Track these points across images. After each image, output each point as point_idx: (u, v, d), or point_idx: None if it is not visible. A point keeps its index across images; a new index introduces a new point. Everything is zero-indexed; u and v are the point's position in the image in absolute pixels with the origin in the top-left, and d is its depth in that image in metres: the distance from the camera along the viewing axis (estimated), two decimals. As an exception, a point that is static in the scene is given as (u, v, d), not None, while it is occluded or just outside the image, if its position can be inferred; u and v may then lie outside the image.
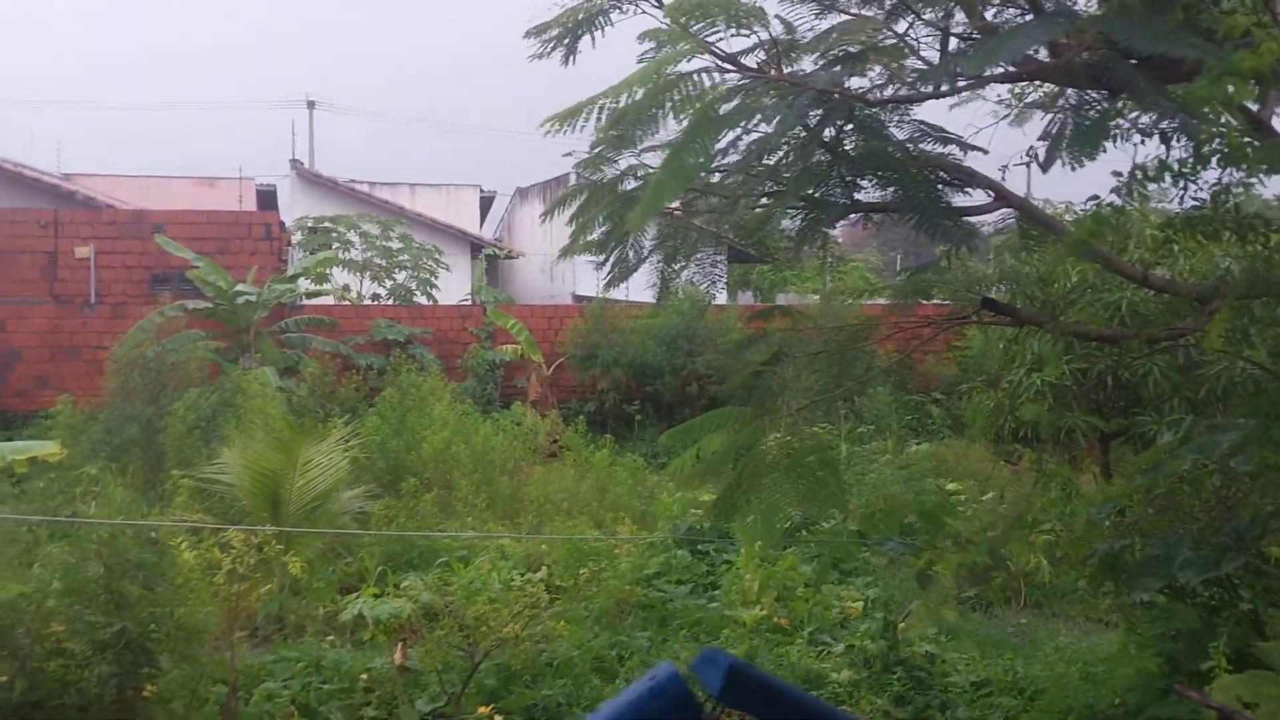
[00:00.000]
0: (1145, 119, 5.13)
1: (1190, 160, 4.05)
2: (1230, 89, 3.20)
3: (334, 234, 24.72)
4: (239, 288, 18.19)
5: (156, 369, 13.89)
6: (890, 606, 8.67)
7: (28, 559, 8.37)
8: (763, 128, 4.48)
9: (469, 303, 23.97)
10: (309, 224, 25.19)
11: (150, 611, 6.47)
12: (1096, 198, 6.01)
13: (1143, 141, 5.18)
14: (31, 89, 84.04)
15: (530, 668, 7.67)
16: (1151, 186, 4.70)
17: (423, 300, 24.39)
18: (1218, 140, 3.78)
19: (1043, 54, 4.98)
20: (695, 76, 4.22)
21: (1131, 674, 5.68)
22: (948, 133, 5.27)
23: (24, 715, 6.33)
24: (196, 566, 7.28)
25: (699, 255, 6.32)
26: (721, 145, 4.41)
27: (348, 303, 22.47)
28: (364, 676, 7.63)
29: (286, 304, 19.58)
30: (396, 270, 25.04)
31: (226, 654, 7.06)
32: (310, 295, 20.98)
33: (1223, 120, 4.13)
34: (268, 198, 31.81)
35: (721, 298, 18.90)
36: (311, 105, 39.46)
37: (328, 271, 21.53)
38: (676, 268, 6.23)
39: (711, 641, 8.80)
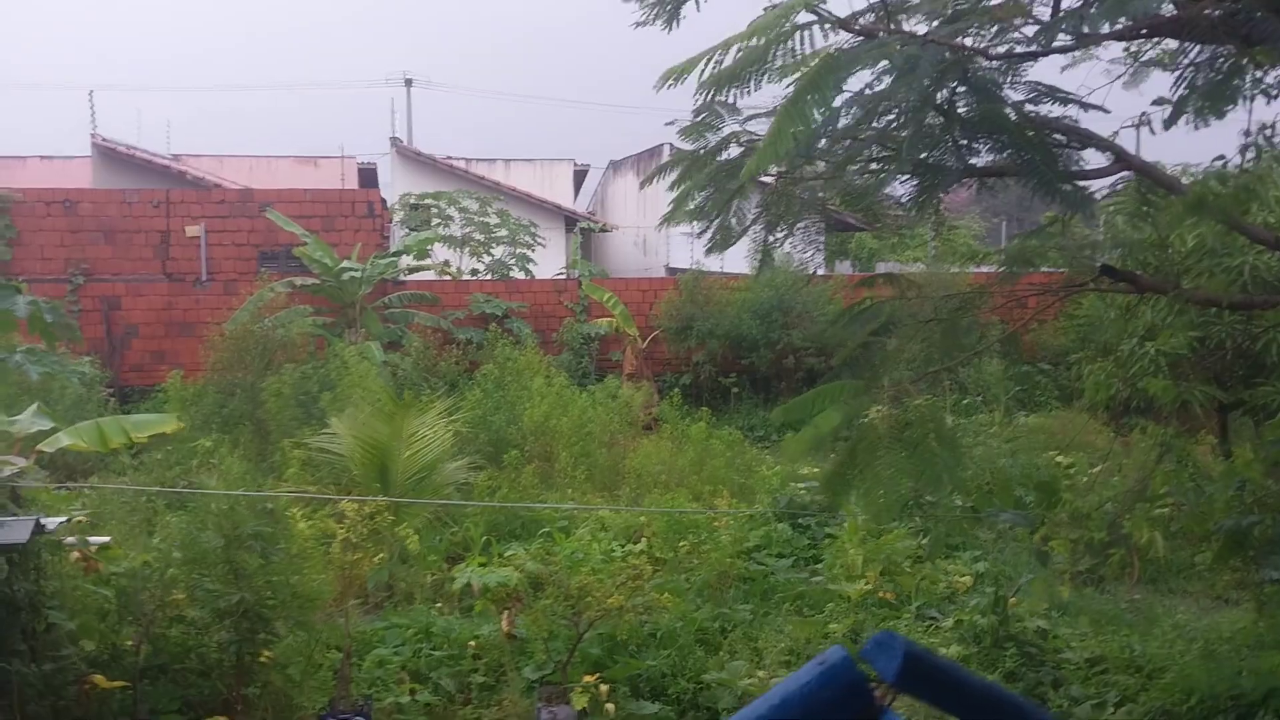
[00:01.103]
0: (1273, 77, 4.87)
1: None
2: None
3: (434, 210, 25.03)
4: (344, 264, 18.55)
5: (264, 343, 14.26)
6: (1000, 581, 8.49)
7: (149, 529, 8.71)
8: (875, 88, 4.37)
9: (564, 277, 24.08)
10: (410, 201, 25.56)
11: (267, 580, 6.66)
12: (1222, 157, 5.73)
13: (1268, 102, 4.92)
14: (140, 74, 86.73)
15: (634, 638, 7.71)
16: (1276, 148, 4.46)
17: (519, 275, 24.58)
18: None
19: (1167, 7, 4.76)
20: (808, 32, 4.12)
21: (1272, 659, 5.46)
22: (1065, 92, 5.08)
23: (149, 678, 6.60)
24: (311, 536, 7.46)
25: (801, 224, 6.21)
26: (839, 102, 4.29)
27: (448, 278, 22.76)
28: (472, 644, 7.76)
29: (389, 280, 19.92)
30: (494, 245, 25.27)
31: (340, 621, 7.24)
32: (412, 271, 21.31)
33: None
34: (368, 175, 32.36)
35: (821, 268, 18.63)
36: (409, 83, 39.97)
37: (429, 248, 21.83)
38: (779, 236, 6.14)
39: (815, 615, 8.73)
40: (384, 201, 22.78)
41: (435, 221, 24.44)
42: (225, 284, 19.71)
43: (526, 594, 7.77)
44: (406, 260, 20.93)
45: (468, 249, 24.88)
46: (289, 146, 56.11)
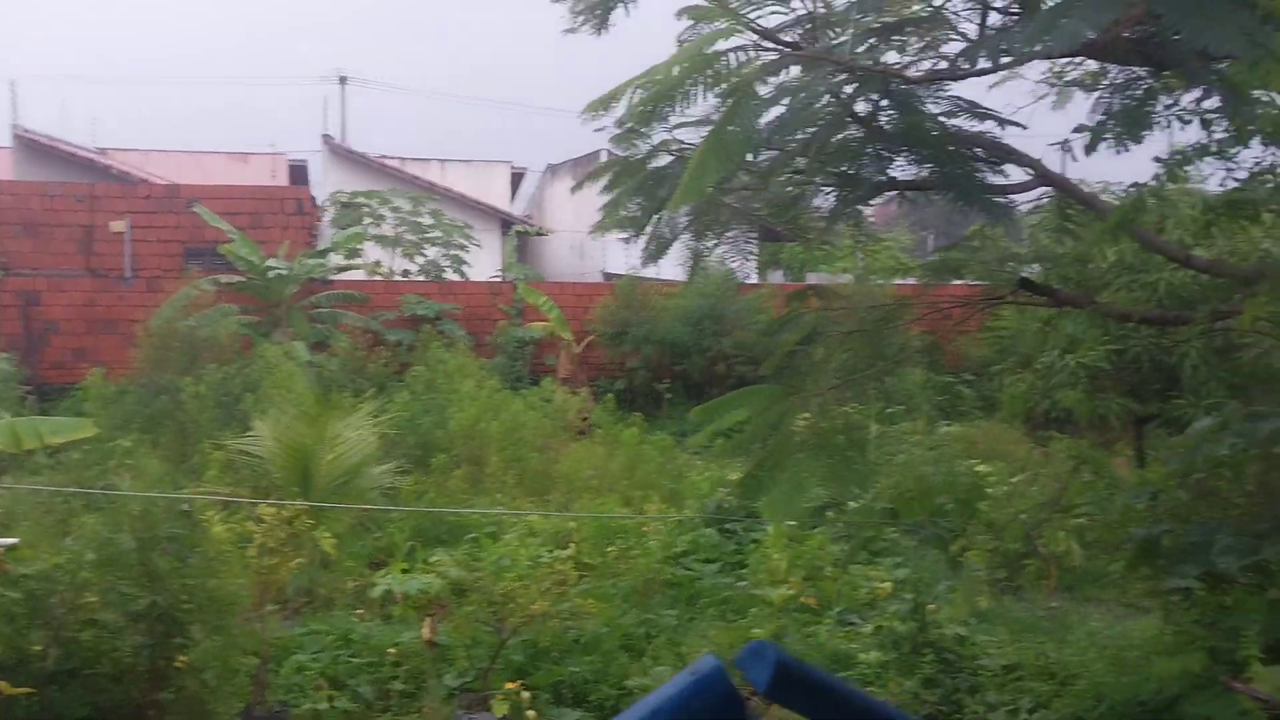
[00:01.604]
0: (1186, 101, 5.00)
1: (1231, 140, 3.95)
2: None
3: (365, 209, 24.74)
4: (271, 262, 18.27)
5: (189, 342, 13.98)
6: (920, 588, 8.60)
7: (62, 530, 8.48)
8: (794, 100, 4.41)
9: (499, 279, 23.97)
10: (341, 199, 25.23)
11: (182, 583, 6.53)
12: (1138, 183, 5.89)
13: (1183, 127, 5.05)
14: (65, 64, 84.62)
15: (558, 644, 7.69)
16: (1190, 169, 4.60)
17: (453, 276, 24.40)
18: (1261, 121, 3.69)
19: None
20: (734, 54, 4.15)
21: (1172, 667, 5.60)
22: (985, 108, 5.18)
23: (58, 684, 6.42)
24: (228, 539, 7.33)
25: (731, 233, 6.26)
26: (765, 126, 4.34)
27: (378, 278, 22.51)
28: (392, 650, 7.68)
29: (317, 279, 19.66)
30: (427, 246, 25.06)
31: (257, 626, 7.11)
32: (341, 270, 21.04)
33: (1264, 102, 4.02)
34: (299, 173, 31.89)
35: (753, 277, 18.76)
36: (343, 80, 39.46)
37: (359, 247, 21.56)
38: (709, 245, 6.18)
39: (739, 620, 8.78)
40: (314, 199, 22.49)
41: (367, 220, 24.15)
42: (150, 281, 19.29)
43: (449, 600, 7.71)
44: (335, 259, 20.67)
45: (400, 249, 24.64)
46: (220, 143, 55.18)
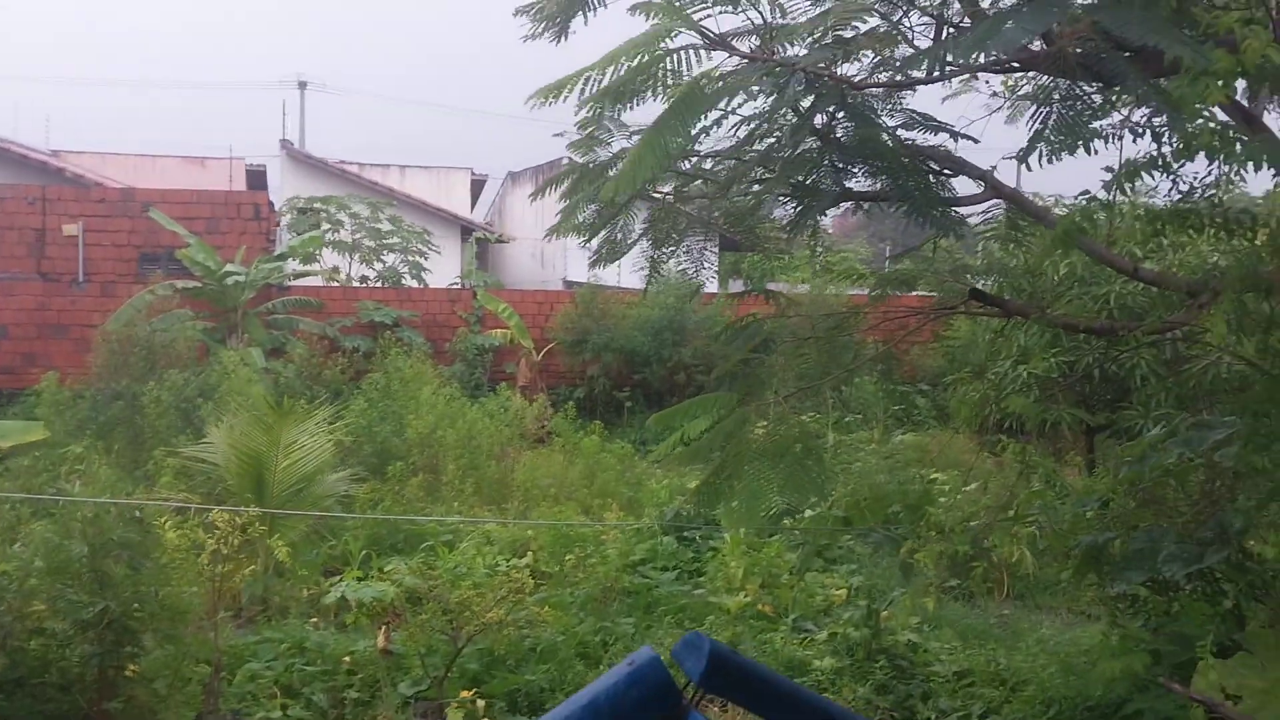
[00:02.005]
0: (1138, 115, 5.12)
1: (1178, 154, 4.05)
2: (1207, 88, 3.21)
3: (323, 215, 24.57)
4: (228, 268, 18.11)
5: (147, 348, 13.81)
6: (873, 595, 8.69)
7: (10, 537, 8.34)
8: (750, 109, 4.47)
9: (459, 286, 23.89)
10: (298, 204, 25.05)
11: (134, 591, 6.45)
12: (1087, 192, 6.01)
13: (1134, 140, 5.17)
14: (18, 64, 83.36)
15: (514, 653, 7.68)
16: (1140, 183, 4.70)
17: (412, 283, 24.29)
18: (1203, 136, 3.78)
19: (1037, 44, 4.97)
20: (684, 54, 4.19)
21: (1115, 668, 5.72)
22: (939, 121, 5.26)
23: (4, 693, 6.31)
24: (181, 546, 7.25)
25: (688, 241, 6.30)
26: (706, 124, 4.39)
27: (336, 284, 22.36)
28: (347, 659, 7.63)
29: (274, 285, 19.50)
30: (386, 252, 24.93)
31: (210, 634, 7.04)
32: (298, 276, 20.89)
33: (1205, 116, 4.12)
34: (257, 178, 31.63)
35: (711, 285, 18.86)
36: (303, 86, 39.29)
37: (316, 252, 21.40)
38: (665, 252, 6.22)
39: (695, 628, 8.82)
40: (271, 205, 22.31)
41: (325, 226, 23.99)
42: (103, 285, 19.05)
43: (405, 609, 7.67)
44: (292, 265, 20.51)
45: (358, 255, 24.49)
46: (178, 147, 54.53)
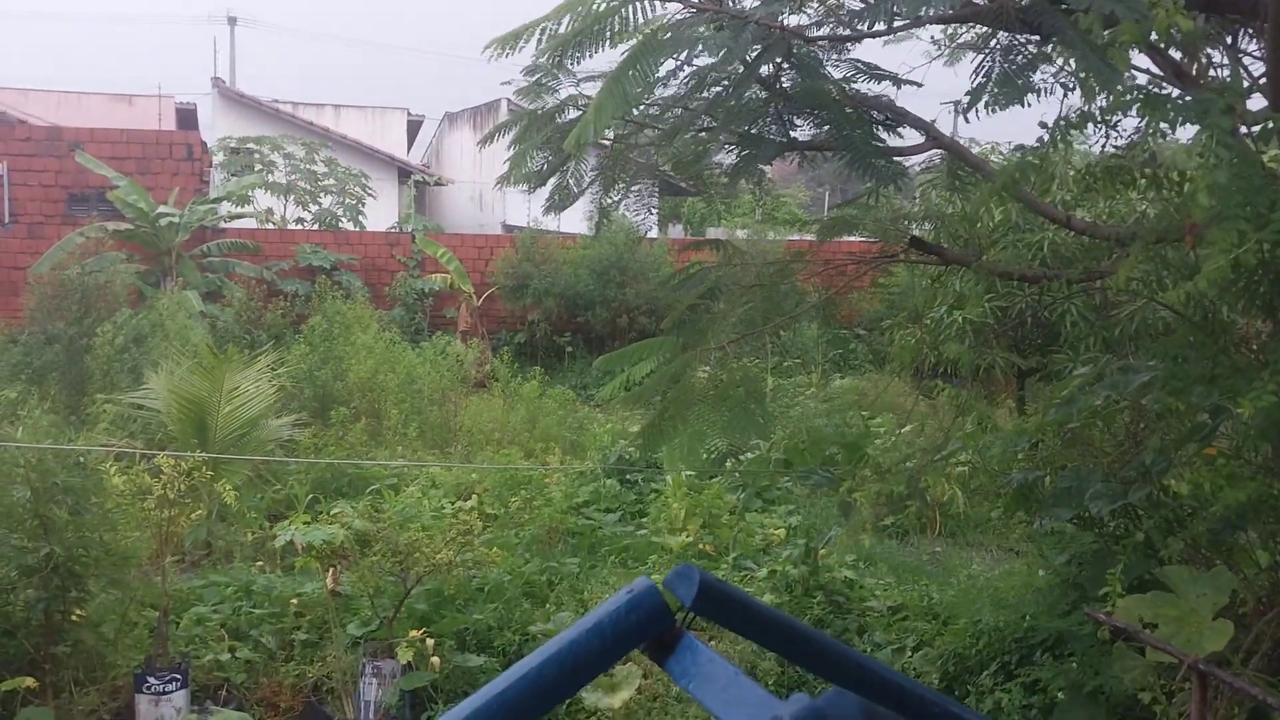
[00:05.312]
0: (1071, 69, 5.27)
1: (1108, 109, 4.20)
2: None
3: (256, 155, 24.11)
4: (160, 209, 17.75)
5: (80, 291, 13.53)
6: (811, 534, 8.94)
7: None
8: (703, 60, 4.53)
9: (397, 230, 23.64)
10: (230, 144, 24.52)
11: (78, 536, 6.44)
12: (1023, 147, 6.18)
13: (1065, 95, 5.32)
14: (-69, -5, 79.67)
15: (461, 593, 7.79)
16: (1074, 133, 4.85)
17: (349, 226, 23.99)
18: (1131, 96, 3.94)
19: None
20: (640, 4, 4.24)
21: (1038, 598, 5.99)
22: (883, 70, 5.37)
23: (-52, 639, 6.30)
24: (125, 492, 7.23)
25: (637, 187, 6.38)
26: (661, 75, 4.46)
27: (271, 227, 22.02)
28: (294, 601, 7.69)
29: (208, 227, 19.16)
30: (321, 195, 24.56)
31: (156, 579, 7.06)
32: (233, 218, 20.53)
33: (1136, 71, 4.29)
34: (188, 117, 30.82)
35: (654, 230, 18.90)
36: (233, 21, 38.23)
37: (250, 194, 21.04)
38: (614, 198, 6.29)
39: (639, 567, 9.01)
40: (204, 145, 21.82)
41: (258, 167, 23.55)
42: (30, 227, 18.59)
43: (353, 551, 7.74)
44: (227, 207, 20.15)
45: (293, 197, 24.11)
46: (103, 84, 52.82)
